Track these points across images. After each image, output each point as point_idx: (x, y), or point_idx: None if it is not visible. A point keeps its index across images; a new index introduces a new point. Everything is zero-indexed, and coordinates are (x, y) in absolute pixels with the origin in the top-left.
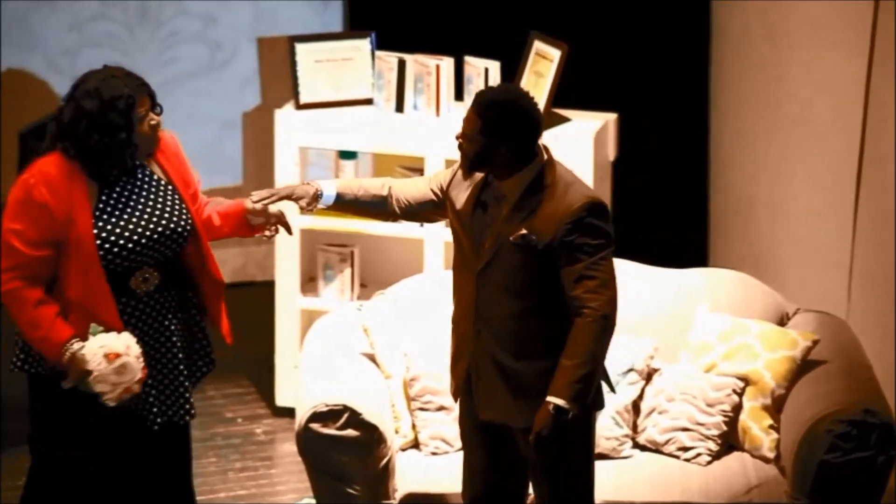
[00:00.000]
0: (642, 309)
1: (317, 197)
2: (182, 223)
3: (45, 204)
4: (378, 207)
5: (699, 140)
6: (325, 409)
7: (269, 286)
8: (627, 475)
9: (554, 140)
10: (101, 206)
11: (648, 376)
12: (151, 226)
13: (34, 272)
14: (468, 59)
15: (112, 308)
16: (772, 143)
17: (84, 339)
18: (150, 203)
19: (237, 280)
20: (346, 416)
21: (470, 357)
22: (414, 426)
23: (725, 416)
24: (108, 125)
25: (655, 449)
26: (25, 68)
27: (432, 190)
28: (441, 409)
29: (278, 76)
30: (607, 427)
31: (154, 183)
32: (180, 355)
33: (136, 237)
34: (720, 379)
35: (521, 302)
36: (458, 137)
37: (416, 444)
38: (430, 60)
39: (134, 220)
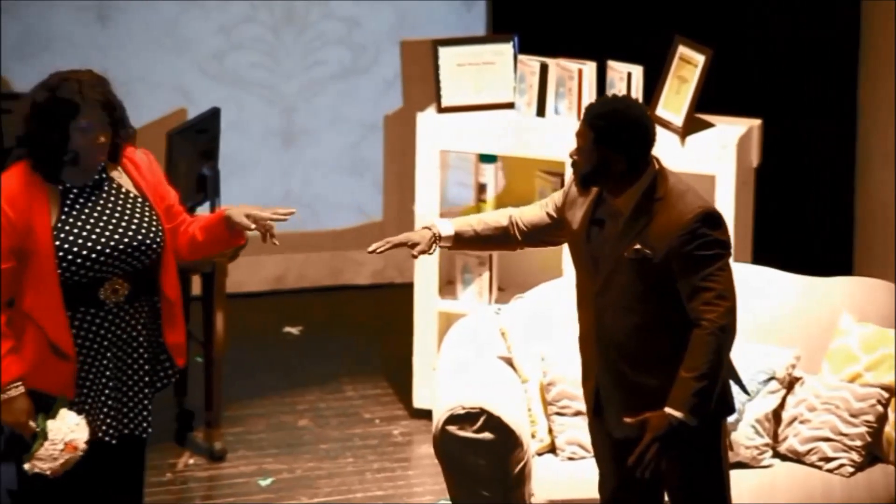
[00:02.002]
0: (785, 317)
1: (434, 240)
2: (151, 235)
3: (7, 215)
4: (500, 239)
5: (845, 145)
6: (462, 411)
7: (407, 288)
8: (767, 484)
9: (697, 146)
10: (62, 217)
11: (790, 385)
12: (116, 237)
13: (2, 286)
14: (611, 63)
15: (63, 324)
16: None
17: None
18: (117, 215)
19: (376, 282)
20: (482, 418)
21: (596, 377)
22: (551, 430)
23: (869, 426)
24: (47, 121)
25: (797, 459)
26: (175, 70)
27: (548, 213)
28: (578, 413)
29: (420, 79)
30: (747, 436)
31: (122, 195)
32: (146, 367)
33: (98, 248)
34: (864, 389)
35: (641, 318)
36: (572, 154)
37: (552, 449)
38: (572, 64)
39: (97, 231)
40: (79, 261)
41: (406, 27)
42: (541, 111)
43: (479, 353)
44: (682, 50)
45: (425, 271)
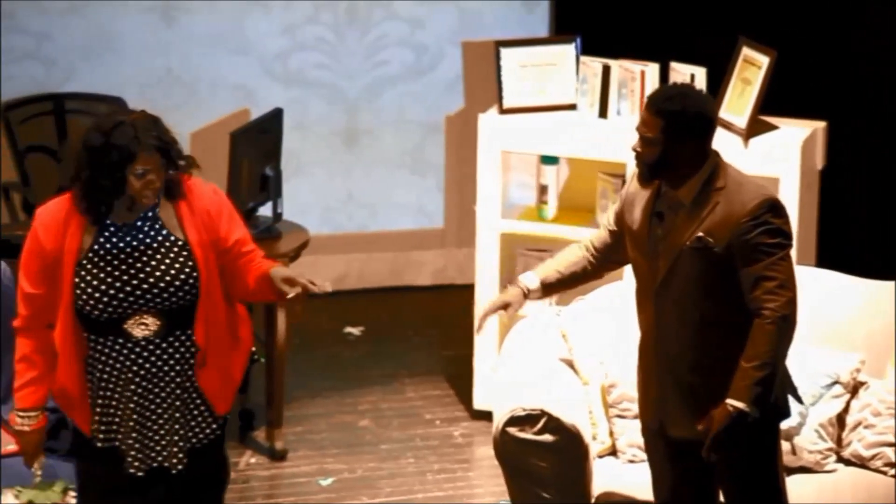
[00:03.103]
0: (849, 321)
1: (525, 295)
2: (182, 278)
3: (38, 241)
4: (582, 272)
5: None
6: (523, 413)
7: (468, 289)
8: (831, 489)
9: (761, 148)
10: (91, 252)
11: (854, 390)
12: (141, 276)
13: (34, 312)
14: (674, 64)
15: (73, 359)
16: None
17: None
18: (147, 256)
19: (437, 283)
20: (543, 420)
21: (655, 378)
22: (611, 433)
23: None
24: (102, 167)
25: (861, 464)
26: (239, 70)
27: (609, 231)
28: (639, 416)
29: (482, 80)
30: (810, 440)
31: (161, 236)
32: (176, 403)
33: (116, 286)
34: None
35: (700, 314)
36: (635, 147)
37: (613, 451)
38: (634, 66)
39: (121, 269)
40: (95, 297)
41: (468, 28)
42: (603, 112)
43: (540, 355)
44: (746, 51)
45: (486, 272)
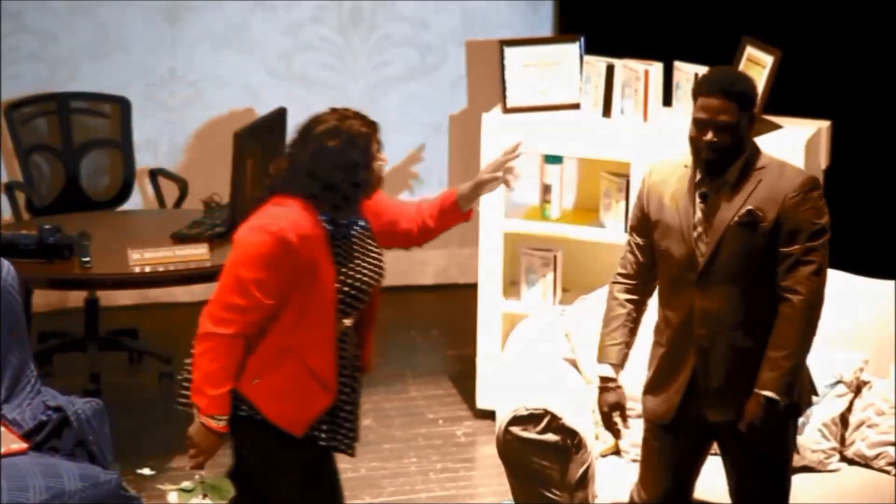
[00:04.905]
0: (853, 321)
1: (620, 387)
2: (383, 263)
3: (296, 254)
4: (639, 316)
5: None
6: (526, 412)
7: (471, 289)
8: (835, 489)
9: (765, 147)
10: (334, 255)
11: (858, 389)
12: (374, 270)
13: (257, 322)
14: (678, 64)
15: (332, 361)
16: None
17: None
18: (366, 248)
19: (440, 282)
20: (546, 420)
21: (696, 363)
22: None
23: None
24: (349, 164)
25: (864, 463)
26: (243, 70)
27: (638, 247)
28: (642, 416)
29: (486, 80)
30: (814, 440)
31: (366, 231)
32: (358, 381)
33: (365, 284)
34: None
35: (745, 287)
36: (708, 140)
37: (616, 451)
38: (638, 65)
39: (361, 267)
40: (348, 300)
41: (472, 28)
42: (606, 112)
43: (544, 355)
44: (750, 51)
45: (489, 272)
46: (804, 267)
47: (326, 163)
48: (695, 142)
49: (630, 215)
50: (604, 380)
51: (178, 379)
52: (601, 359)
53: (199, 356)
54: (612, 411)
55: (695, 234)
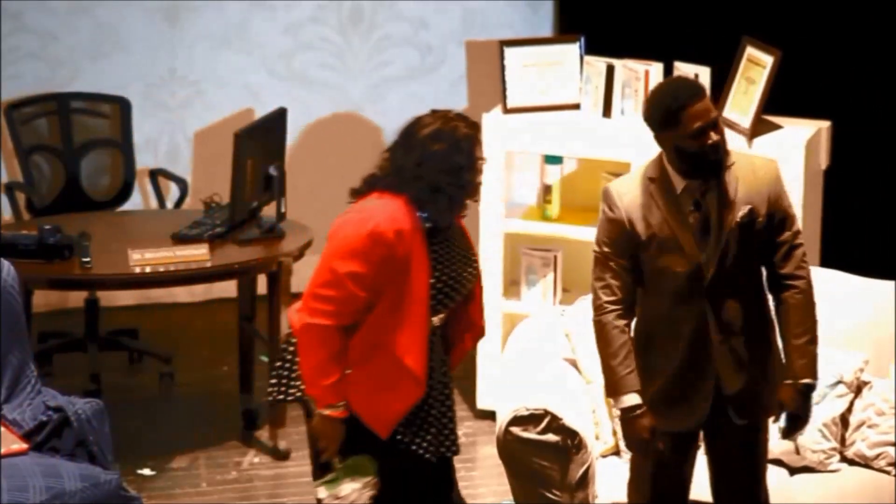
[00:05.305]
0: (853, 321)
1: (646, 413)
2: (476, 265)
3: (392, 249)
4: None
5: None
6: (526, 412)
7: None
8: (835, 489)
9: (765, 148)
10: (430, 256)
11: (858, 389)
12: (464, 274)
13: (354, 314)
14: (678, 64)
15: (423, 360)
16: None
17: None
18: (460, 249)
19: None
20: (546, 420)
21: (718, 374)
22: (615, 433)
23: None
24: (455, 167)
25: (864, 463)
26: (243, 70)
27: (623, 268)
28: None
29: (486, 80)
30: (814, 440)
31: (461, 233)
32: (450, 386)
33: (457, 286)
34: None
35: (745, 288)
36: (717, 141)
37: (616, 451)
38: (638, 66)
39: (454, 270)
40: (441, 295)
41: (472, 28)
42: (607, 112)
43: (544, 355)
44: (750, 51)
45: (489, 272)
46: (797, 250)
47: (432, 167)
48: (699, 152)
49: (602, 240)
50: (632, 408)
51: (271, 373)
52: (624, 390)
53: (303, 349)
54: (652, 436)
55: (696, 243)
